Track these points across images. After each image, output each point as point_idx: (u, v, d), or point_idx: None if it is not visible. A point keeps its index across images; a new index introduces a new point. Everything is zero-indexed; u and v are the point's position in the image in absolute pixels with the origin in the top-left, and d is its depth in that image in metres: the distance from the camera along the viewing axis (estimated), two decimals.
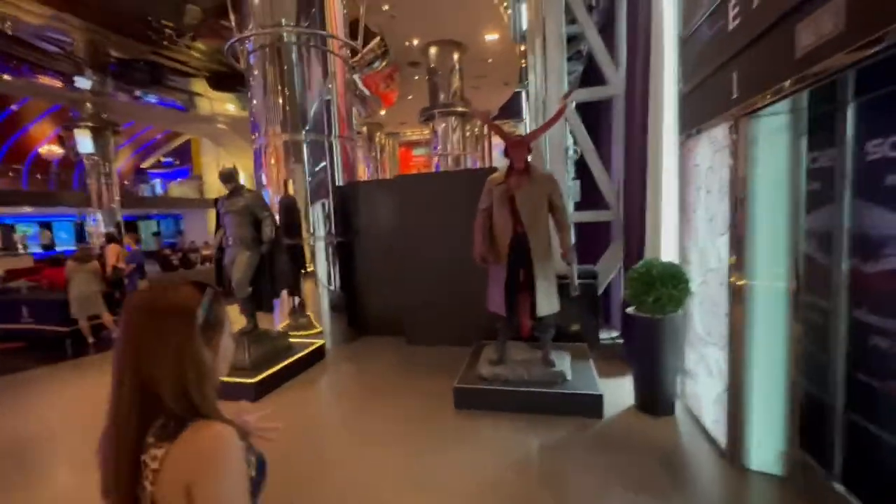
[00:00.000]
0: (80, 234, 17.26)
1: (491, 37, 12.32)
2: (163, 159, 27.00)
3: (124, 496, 0.72)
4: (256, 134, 4.98)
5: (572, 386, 3.10)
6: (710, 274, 2.57)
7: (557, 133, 4.43)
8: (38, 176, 19.41)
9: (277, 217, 4.88)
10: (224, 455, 0.72)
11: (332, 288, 5.08)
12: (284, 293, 4.87)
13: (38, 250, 17.81)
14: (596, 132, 4.69)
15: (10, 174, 18.66)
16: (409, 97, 16.01)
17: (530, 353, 3.63)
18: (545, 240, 3.29)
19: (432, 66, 13.12)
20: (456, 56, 13.03)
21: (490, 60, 13.80)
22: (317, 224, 4.99)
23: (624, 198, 4.23)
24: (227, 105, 15.16)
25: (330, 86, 5.06)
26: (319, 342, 4.59)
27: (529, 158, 3.34)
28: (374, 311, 5.40)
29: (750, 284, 2.18)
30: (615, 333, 4.79)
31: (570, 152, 4.71)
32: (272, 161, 4.89)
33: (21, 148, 19.03)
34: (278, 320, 5.03)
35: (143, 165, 26.00)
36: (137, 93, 13.48)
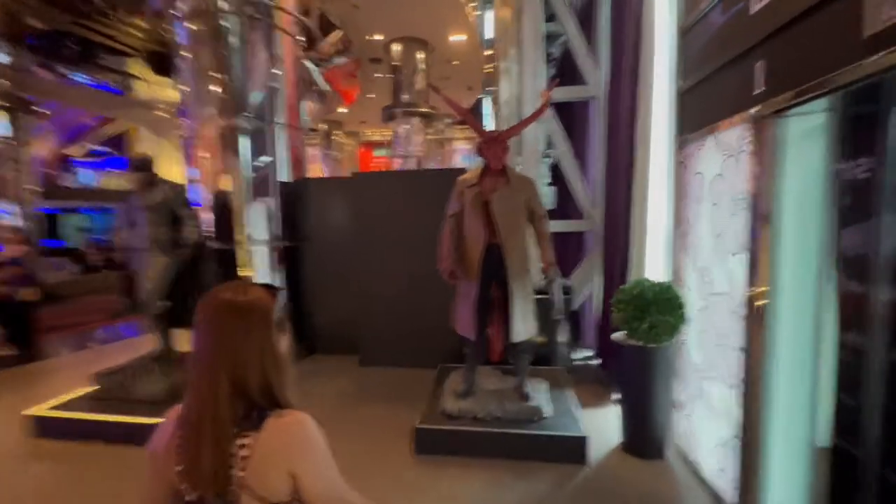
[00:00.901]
0: None
1: (457, 38, 11.99)
2: (94, 147, 24.44)
3: (223, 483, 0.75)
4: (186, 120, 4.22)
5: (552, 425, 2.66)
6: (716, 299, 2.22)
7: (532, 134, 4.04)
8: None
9: (210, 216, 4.15)
10: (313, 436, 0.83)
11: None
12: None
13: None
14: (570, 136, 4.36)
15: None
16: (371, 95, 15.37)
17: (502, 380, 3.17)
18: (523, 252, 2.85)
19: (395, 63, 12.59)
20: (420, 55, 12.58)
21: (455, 63, 13.47)
22: (256, 226, 4.30)
23: (605, 208, 3.90)
24: (169, 91, 13.74)
25: (277, 72, 4.41)
26: None
27: (507, 159, 2.91)
28: (324, 326, 4.76)
29: (772, 314, 1.83)
30: (588, 353, 4.46)
31: (543, 157, 4.34)
32: (203, 148, 4.15)
33: None
34: None
35: (71, 153, 23.43)
36: (64, 71, 11.82)
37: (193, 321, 0.82)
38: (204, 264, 3.48)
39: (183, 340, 3.52)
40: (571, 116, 4.76)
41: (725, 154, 2.12)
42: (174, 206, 3.33)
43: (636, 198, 2.97)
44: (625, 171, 3.17)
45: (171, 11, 4.13)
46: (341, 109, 15.64)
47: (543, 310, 3.25)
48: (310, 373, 4.25)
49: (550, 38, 4.89)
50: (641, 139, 2.92)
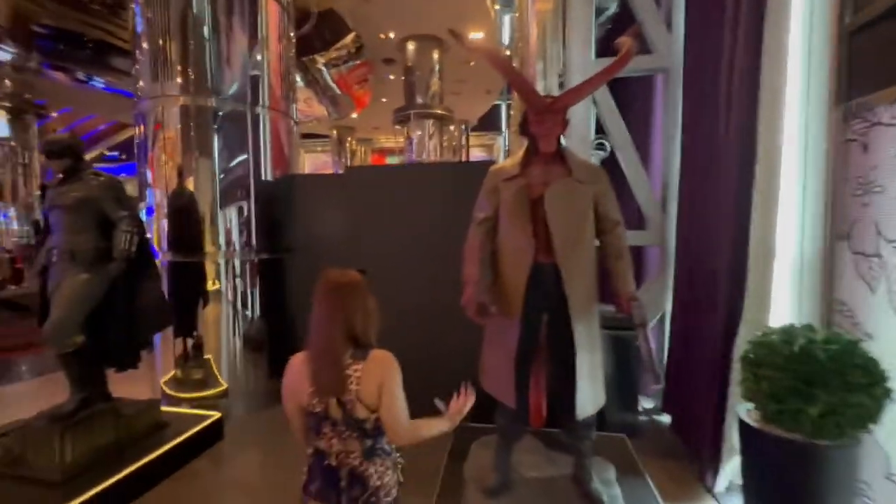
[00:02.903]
0: None
1: (475, 35, 11.20)
2: (107, 152, 24.25)
3: (342, 392, 1.16)
4: (141, 104, 3.38)
5: None
6: None
7: (580, 117, 3.09)
8: None
9: (164, 223, 3.30)
10: (395, 365, 1.23)
11: (247, 313, 3.50)
12: (170, 331, 3.26)
13: None
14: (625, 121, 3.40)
15: None
16: (384, 99, 14.68)
17: (549, 461, 2.19)
18: (589, 276, 1.90)
19: (409, 64, 11.86)
20: (436, 55, 11.85)
21: (472, 63, 12.70)
22: (230, 234, 3.42)
23: (681, 215, 2.92)
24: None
25: (260, 52, 3.57)
26: (213, 415, 2.97)
27: (564, 139, 1.98)
28: None
29: None
30: (649, 404, 3.43)
31: (595, 147, 3.39)
32: (162, 141, 3.30)
33: None
34: (161, 372, 3.37)
35: (86, 158, 23.28)
36: (80, 74, 11.31)
37: (313, 296, 1.23)
38: (145, 284, 2.59)
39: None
40: (625, 97, 3.78)
41: None
42: (102, 204, 2.46)
43: (760, 201, 1.98)
44: (734, 161, 2.18)
45: None
46: (353, 115, 15.00)
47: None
48: (280, 422, 3.27)
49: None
50: (768, 114, 1.94)
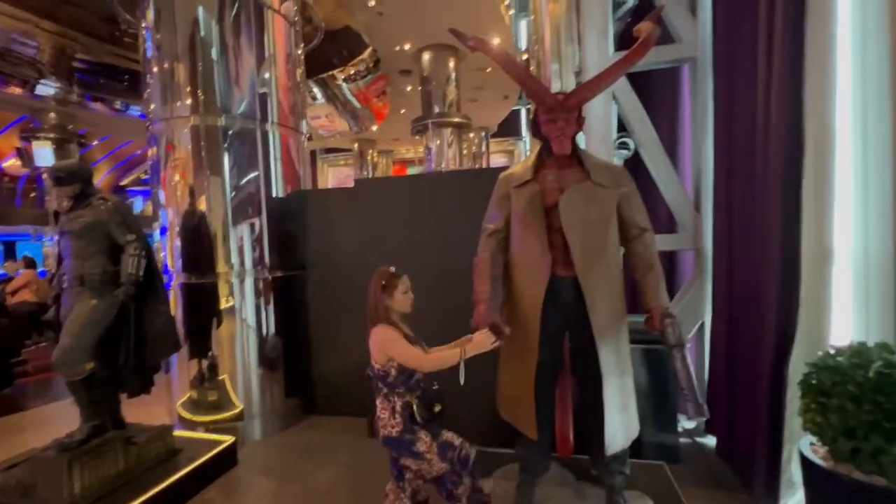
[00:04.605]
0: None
1: (492, 41, 11.09)
2: (144, 176, 25.40)
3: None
4: (154, 126, 3.40)
5: None
6: None
7: (599, 115, 2.89)
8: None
9: (178, 244, 3.29)
10: (384, 332, 1.66)
11: (262, 333, 3.43)
12: (185, 352, 3.22)
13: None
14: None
15: None
16: (402, 111, 14.74)
17: (578, 494, 1.97)
18: (614, 291, 1.69)
19: (425, 74, 11.86)
20: (451, 63, 11.81)
21: (489, 70, 12.58)
22: (242, 252, 3.38)
23: (717, 217, 2.66)
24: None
25: (268, 70, 3.55)
26: (226, 440, 2.88)
27: (581, 138, 1.79)
28: (326, 377, 3.72)
29: None
30: (690, 424, 3.13)
31: (617, 146, 3.17)
32: (173, 161, 3.30)
33: None
34: (177, 394, 3.34)
35: (123, 183, 24.45)
36: (118, 104, 11.91)
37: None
38: (154, 309, 2.54)
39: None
40: (649, 91, 3.54)
41: None
42: (109, 229, 2.43)
43: (811, 195, 1.73)
44: (778, 152, 1.93)
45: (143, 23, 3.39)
46: (374, 128, 15.15)
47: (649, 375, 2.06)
48: (301, 447, 3.17)
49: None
50: (816, 94, 1.70)
